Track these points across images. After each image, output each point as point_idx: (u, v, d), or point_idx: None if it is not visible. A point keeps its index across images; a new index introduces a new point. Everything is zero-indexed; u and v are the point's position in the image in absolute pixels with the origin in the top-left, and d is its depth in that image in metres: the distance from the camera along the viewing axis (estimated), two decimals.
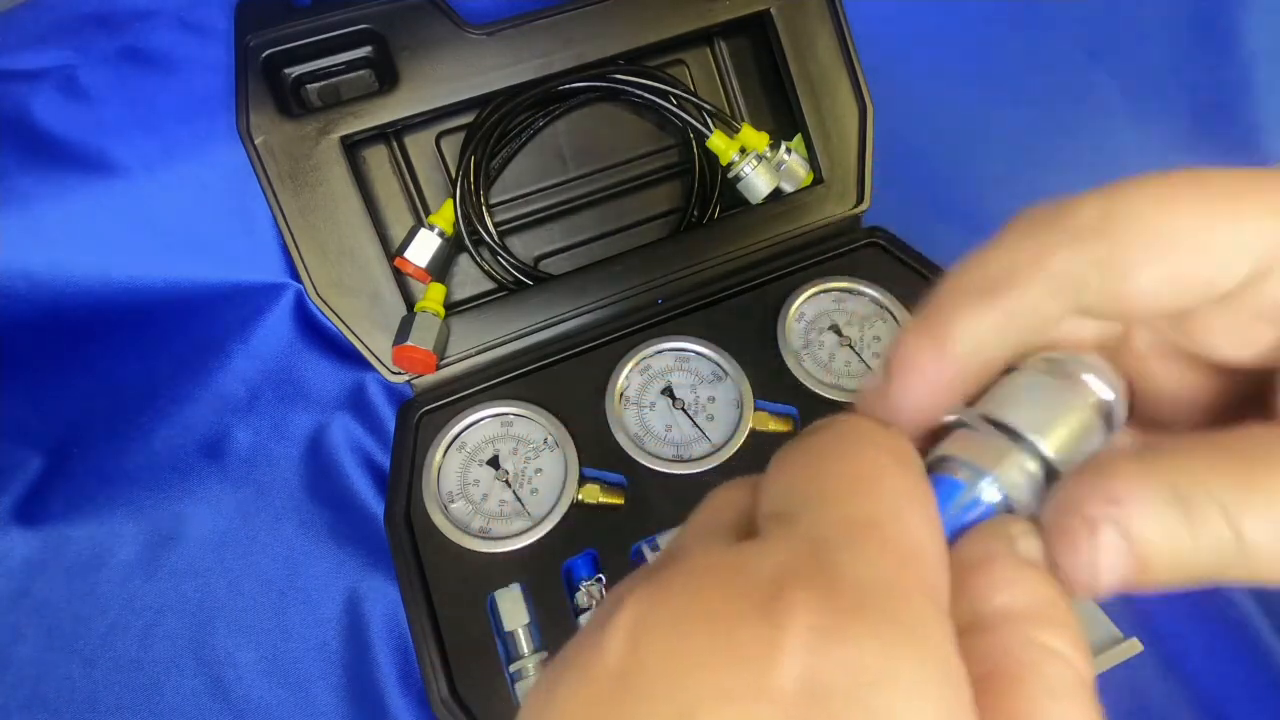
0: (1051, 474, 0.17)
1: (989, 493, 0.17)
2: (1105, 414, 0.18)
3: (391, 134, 0.52)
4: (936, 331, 0.18)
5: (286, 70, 0.49)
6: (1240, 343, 0.18)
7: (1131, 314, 0.18)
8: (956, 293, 0.18)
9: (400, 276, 0.50)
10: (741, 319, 0.52)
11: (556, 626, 0.42)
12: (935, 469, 0.18)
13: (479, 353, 0.50)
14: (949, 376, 0.18)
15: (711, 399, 0.49)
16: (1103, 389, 0.18)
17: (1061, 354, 0.18)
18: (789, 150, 0.54)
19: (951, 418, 0.18)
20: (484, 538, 0.44)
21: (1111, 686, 0.43)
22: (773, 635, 0.13)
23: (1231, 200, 0.17)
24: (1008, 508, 0.17)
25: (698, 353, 0.50)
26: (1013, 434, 0.17)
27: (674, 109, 0.53)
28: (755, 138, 0.54)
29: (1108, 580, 0.16)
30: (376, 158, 0.52)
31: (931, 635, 0.14)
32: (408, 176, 0.53)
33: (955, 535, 0.17)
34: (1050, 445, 0.17)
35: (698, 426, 0.48)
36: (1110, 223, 0.17)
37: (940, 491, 0.17)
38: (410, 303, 0.50)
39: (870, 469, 0.16)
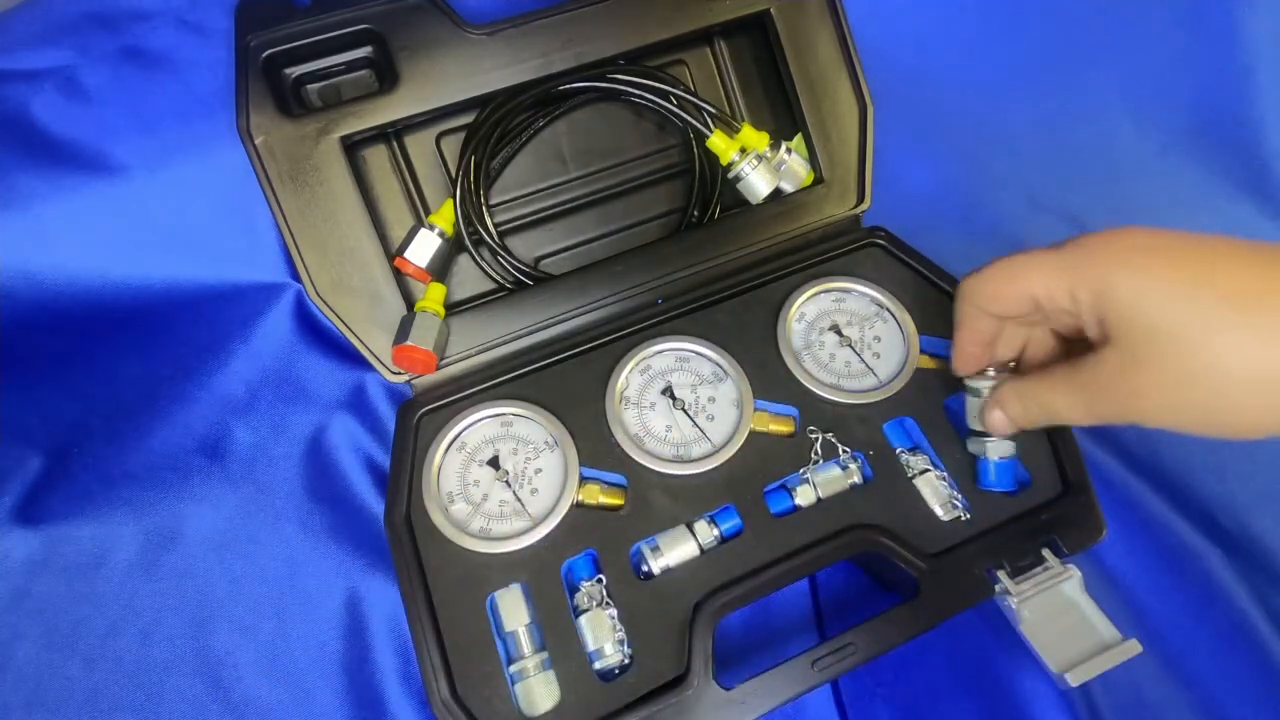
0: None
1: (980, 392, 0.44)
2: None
3: (391, 134, 0.52)
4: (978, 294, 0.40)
5: (286, 70, 0.49)
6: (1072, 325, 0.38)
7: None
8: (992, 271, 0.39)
9: (400, 276, 0.50)
10: (741, 319, 0.52)
11: (557, 626, 0.42)
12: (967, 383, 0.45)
13: (479, 353, 0.50)
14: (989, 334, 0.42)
15: (711, 399, 0.49)
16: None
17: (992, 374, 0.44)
18: (789, 150, 0.54)
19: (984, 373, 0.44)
20: (484, 538, 0.44)
21: (1111, 686, 0.43)
22: None
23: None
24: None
25: (698, 353, 0.50)
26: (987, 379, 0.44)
27: (674, 109, 0.53)
28: (755, 138, 0.54)
29: (998, 425, 0.42)
30: (376, 158, 0.53)
31: None
32: (408, 176, 0.53)
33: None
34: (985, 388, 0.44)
35: (698, 426, 0.48)
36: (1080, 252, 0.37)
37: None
38: (410, 303, 0.50)
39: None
